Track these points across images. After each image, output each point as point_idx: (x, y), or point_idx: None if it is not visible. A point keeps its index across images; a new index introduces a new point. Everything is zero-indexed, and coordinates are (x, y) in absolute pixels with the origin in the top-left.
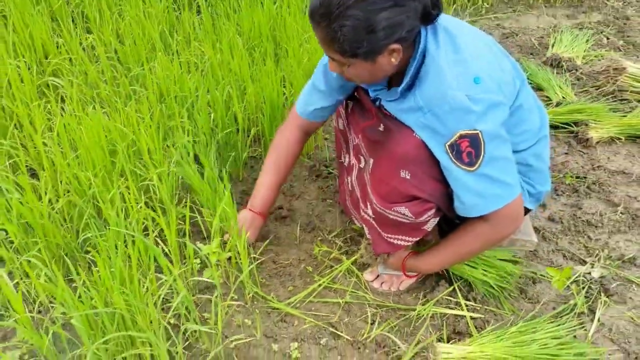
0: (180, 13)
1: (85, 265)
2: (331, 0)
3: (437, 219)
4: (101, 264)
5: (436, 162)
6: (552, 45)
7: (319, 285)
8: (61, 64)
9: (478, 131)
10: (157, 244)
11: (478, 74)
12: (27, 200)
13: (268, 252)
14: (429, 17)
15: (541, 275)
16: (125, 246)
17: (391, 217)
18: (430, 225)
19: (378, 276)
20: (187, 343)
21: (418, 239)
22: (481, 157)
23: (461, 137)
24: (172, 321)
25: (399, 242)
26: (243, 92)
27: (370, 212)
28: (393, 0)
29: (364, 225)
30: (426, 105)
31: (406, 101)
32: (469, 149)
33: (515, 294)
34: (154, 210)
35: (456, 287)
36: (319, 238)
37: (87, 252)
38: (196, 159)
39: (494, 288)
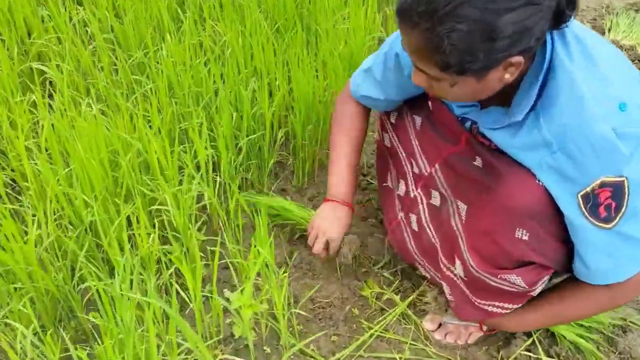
0: None
1: (88, 326)
2: None
3: (547, 281)
4: (107, 339)
5: (560, 216)
6: (609, 30)
7: (370, 335)
8: (47, 45)
9: (624, 178)
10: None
11: (623, 98)
12: (6, 231)
13: (303, 284)
14: (561, 18)
15: (631, 322)
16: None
17: (493, 284)
18: (538, 291)
19: (441, 325)
20: None
21: (520, 305)
22: (622, 211)
23: (602, 185)
24: None
25: (493, 310)
26: (269, 86)
27: (460, 272)
28: None
29: (443, 283)
30: (557, 140)
31: (523, 132)
32: (608, 201)
33: (604, 346)
34: (167, 240)
35: (536, 340)
36: (363, 269)
37: (86, 291)
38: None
39: (581, 339)
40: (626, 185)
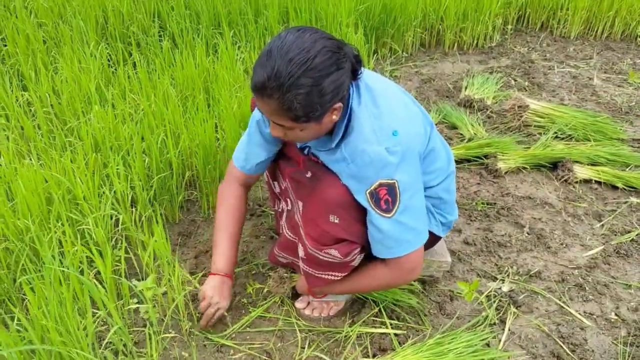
0: (116, 69)
1: (23, 308)
2: (279, 73)
3: (363, 255)
4: (34, 301)
5: (360, 207)
6: (465, 88)
7: (253, 316)
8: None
9: (395, 181)
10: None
11: (396, 127)
12: None
13: None
14: (356, 73)
15: (457, 293)
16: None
17: (322, 257)
18: (357, 262)
19: (309, 303)
20: None
21: (346, 273)
22: (397, 205)
23: (380, 185)
24: (110, 357)
25: (329, 277)
26: (177, 139)
27: (302, 253)
28: (335, 64)
29: (300, 264)
30: (350, 157)
31: (335, 152)
32: (386, 197)
33: (434, 310)
34: (92, 253)
35: (381, 309)
36: (253, 272)
37: (25, 294)
38: (134, 203)
39: (417, 304)
40: (397, 186)
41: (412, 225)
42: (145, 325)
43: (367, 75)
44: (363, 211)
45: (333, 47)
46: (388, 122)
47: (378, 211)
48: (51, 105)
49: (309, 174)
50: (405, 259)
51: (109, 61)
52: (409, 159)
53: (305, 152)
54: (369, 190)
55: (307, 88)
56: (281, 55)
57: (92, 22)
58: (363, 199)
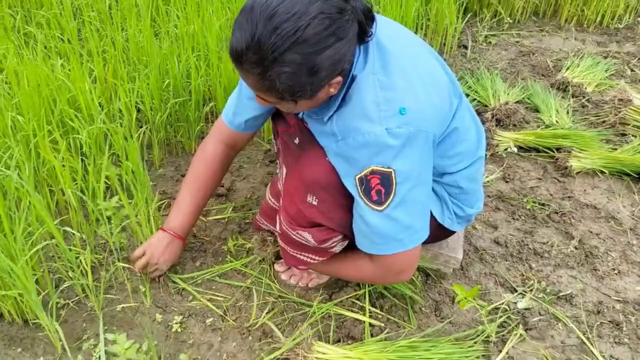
0: None
1: None
2: (261, 44)
3: (346, 242)
4: None
5: (347, 191)
6: (567, 69)
7: (226, 267)
8: (45, 16)
9: (391, 170)
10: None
11: (405, 103)
12: None
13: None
14: (365, 34)
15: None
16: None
17: (294, 238)
18: (337, 249)
19: (289, 268)
20: (77, 298)
21: (325, 258)
22: (391, 197)
23: (372, 172)
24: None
25: (304, 259)
26: (207, 65)
27: (277, 227)
28: (334, 35)
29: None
30: (340, 133)
31: (325, 124)
32: (378, 187)
33: (428, 310)
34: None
35: (366, 292)
36: (247, 221)
37: None
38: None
39: (405, 299)
40: (393, 176)
41: (407, 222)
42: (114, 250)
43: (384, 29)
44: (349, 196)
45: (332, 10)
46: (397, 95)
47: (367, 202)
48: (107, 13)
49: (297, 140)
50: (393, 259)
51: None
52: (416, 144)
53: (299, 115)
54: (358, 176)
55: (293, 66)
56: (264, 18)
57: None
58: (351, 185)
